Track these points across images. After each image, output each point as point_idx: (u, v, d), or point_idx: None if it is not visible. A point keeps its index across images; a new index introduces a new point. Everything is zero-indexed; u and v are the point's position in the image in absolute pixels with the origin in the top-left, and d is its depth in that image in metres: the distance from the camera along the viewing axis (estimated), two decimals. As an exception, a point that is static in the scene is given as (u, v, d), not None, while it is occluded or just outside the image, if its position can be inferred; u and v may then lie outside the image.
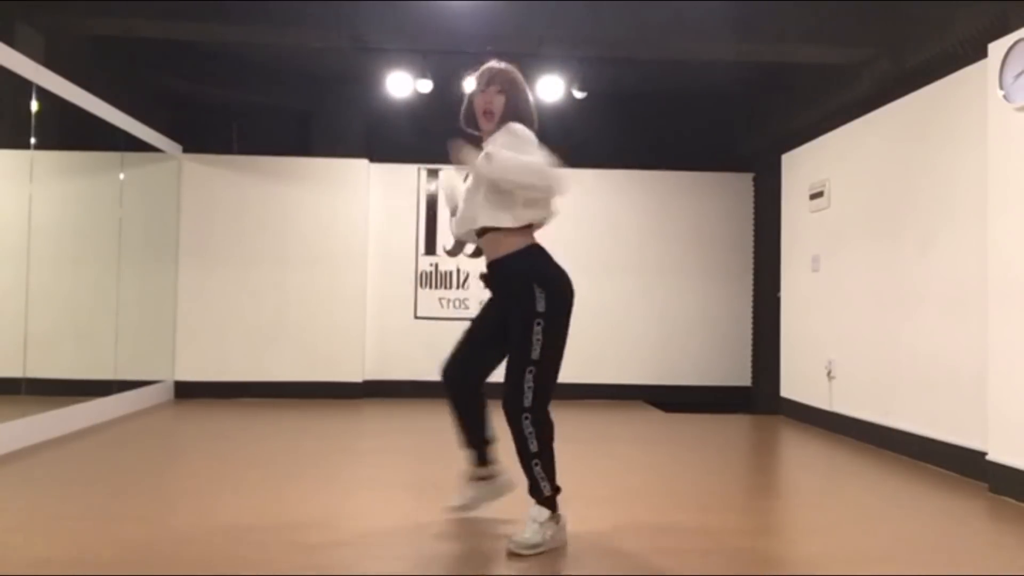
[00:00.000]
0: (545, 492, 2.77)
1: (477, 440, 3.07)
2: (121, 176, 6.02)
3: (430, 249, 7.39)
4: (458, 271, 7.36)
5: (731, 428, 6.05)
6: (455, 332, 8.15)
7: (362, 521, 3.16)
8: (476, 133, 2.99)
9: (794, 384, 6.32)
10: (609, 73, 6.33)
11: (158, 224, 6.75)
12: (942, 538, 3.11)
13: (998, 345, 3.75)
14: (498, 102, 2.89)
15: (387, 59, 6.31)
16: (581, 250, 7.16)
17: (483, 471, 3.08)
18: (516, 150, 2.76)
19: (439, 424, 5.89)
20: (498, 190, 2.80)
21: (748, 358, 7.34)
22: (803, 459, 4.97)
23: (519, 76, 2.96)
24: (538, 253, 2.86)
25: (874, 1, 4.85)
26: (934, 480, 4.13)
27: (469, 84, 3.07)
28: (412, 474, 4.29)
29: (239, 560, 2.59)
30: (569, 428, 5.86)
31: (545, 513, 2.76)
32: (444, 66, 6.33)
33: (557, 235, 7.53)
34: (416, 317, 7.33)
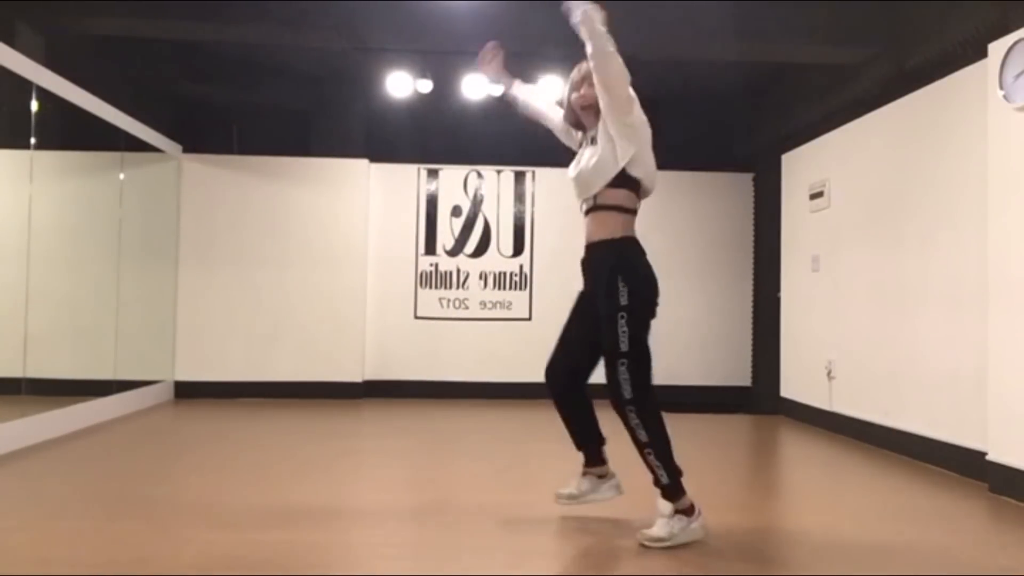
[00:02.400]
0: (663, 480, 2.80)
1: (587, 441, 3.11)
2: (121, 176, 6.02)
3: (430, 249, 7.39)
4: (458, 271, 7.36)
5: (731, 428, 6.05)
6: (455, 332, 8.14)
7: (363, 521, 3.16)
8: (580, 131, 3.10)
9: (794, 384, 6.32)
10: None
11: (158, 224, 6.75)
12: (942, 538, 3.11)
13: (998, 345, 3.75)
14: (591, 95, 2.96)
15: (387, 59, 6.31)
16: (579, 249, 7.15)
17: (595, 470, 3.12)
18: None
19: (439, 424, 5.90)
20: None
21: (748, 358, 7.34)
22: (803, 459, 4.97)
23: None
24: (631, 246, 2.94)
25: (874, 1, 4.85)
26: (934, 480, 4.12)
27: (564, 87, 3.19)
28: (412, 474, 4.29)
29: (239, 560, 2.59)
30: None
31: (668, 507, 2.81)
32: (444, 66, 6.33)
33: (557, 235, 7.52)
34: (416, 317, 7.33)
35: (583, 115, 3.04)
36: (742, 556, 2.80)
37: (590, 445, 3.12)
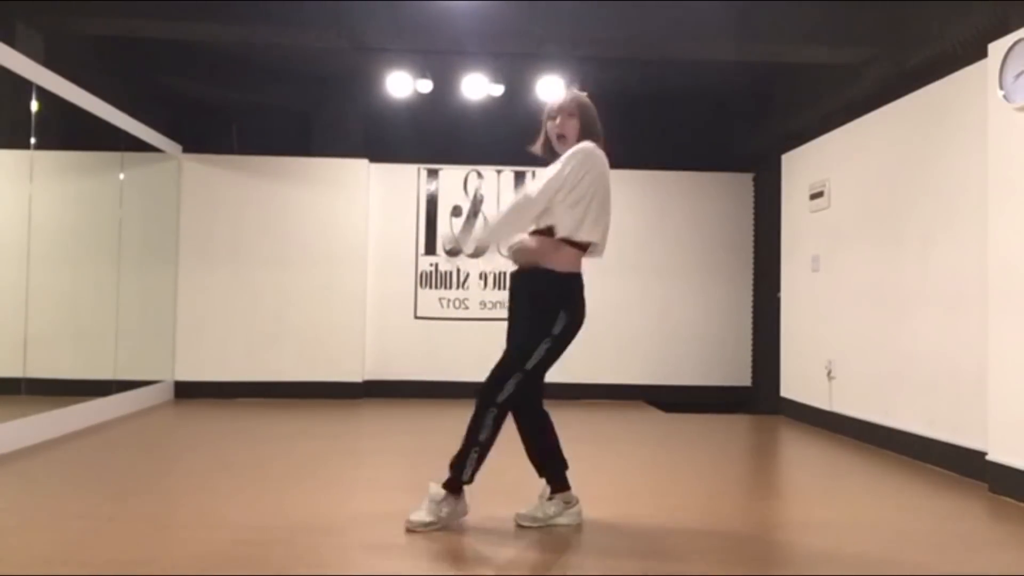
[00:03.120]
0: (465, 478, 2.94)
1: (553, 464, 3.10)
2: (121, 176, 6.02)
3: (430, 249, 7.39)
4: (458, 271, 7.36)
5: (731, 428, 6.05)
6: (455, 332, 8.12)
7: (362, 521, 3.16)
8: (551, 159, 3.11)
9: (794, 384, 6.32)
10: (609, 73, 6.33)
11: (158, 224, 6.75)
12: (942, 538, 3.11)
13: (998, 345, 3.75)
14: (570, 125, 3.06)
15: (387, 59, 6.31)
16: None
17: (562, 495, 3.09)
18: (553, 169, 2.97)
19: (439, 424, 5.90)
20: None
21: (748, 358, 7.34)
22: (803, 459, 4.97)
23: (586, 99, 3.12)
24: (576, 281, 3.03)
25: (874, 1, 4.86)
26: (934, 480, 4.13)
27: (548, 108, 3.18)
28: (412, 474, 4.29)
29: (239, 560, 2.59)
30: (569, 428, 5.86)
31: (442, 493, 2.93)
32: (444, 66, 6.33)
33: (557, 235, 7.49)
34: (416, 317, 7.33)
35: (558, 144, 3.09)
36: (742, 556, 2.80)
37: (557, 468, 3.10)
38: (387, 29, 5.26)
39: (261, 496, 3.48)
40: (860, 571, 2.65)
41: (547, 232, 2.97)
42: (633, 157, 7.39)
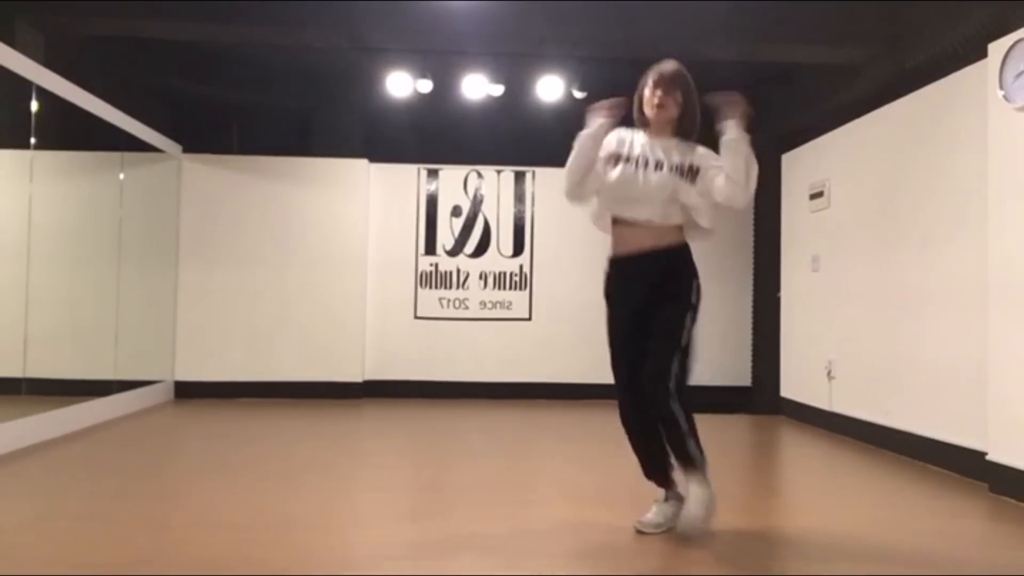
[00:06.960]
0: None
1: (665, 464, 3.08)
2: (121, 176, 6.02)
3: (430, 249, 7.39)
4: (458, 271, 7.36)
5: (731, 428, 6.05)
6: (455, 332, 8.10)
7: (363, 521, 3.16)
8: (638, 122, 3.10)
9: (794, 384, 6.32)
10: (609, 73, 6.32)
11: (158, 224, 6.75)
12: (942, 538, 3.11)
13: (998, 345, 3.75)
14: (670, 105, 3.12)
15: (387, 59, 6.32)
16: (579, 249, 7.15)
17: (674, 491, 3.06)
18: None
19: (439, 424, 5.91)
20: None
21: (748, 358, 7.33)
22: (803, 459, 4.97)
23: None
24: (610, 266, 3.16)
25: (874, 1, 4.86)
26: (934, 480, 4.13)
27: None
28: (412, 474, 4.30)
29: (239, 560, 2.59)
30: (570, 428, 5.88)
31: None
32: (444, 66, 6.33)
33: (557, 235, 7.54)
34: (416, 317, 7.33)
35: (655, 115, 3.07)
36: (742, 556, 2.80)
37: (668, 467, 3.06)
38: (387, 29, 5.25)
39: (261, 496, 3.48)
40: (860, 571, 2.65)
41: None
42: (633, 157, 7.39)
